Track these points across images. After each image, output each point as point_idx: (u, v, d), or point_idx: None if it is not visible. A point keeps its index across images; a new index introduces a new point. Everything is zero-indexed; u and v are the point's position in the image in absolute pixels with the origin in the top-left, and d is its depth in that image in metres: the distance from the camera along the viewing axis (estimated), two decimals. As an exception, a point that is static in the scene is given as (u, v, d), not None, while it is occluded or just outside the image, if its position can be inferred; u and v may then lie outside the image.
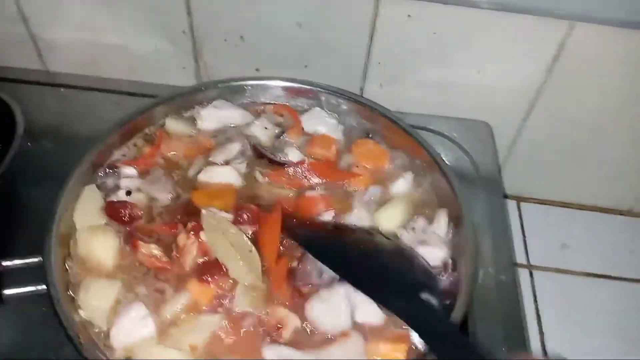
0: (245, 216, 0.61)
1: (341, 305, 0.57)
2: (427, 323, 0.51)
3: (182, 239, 0.60)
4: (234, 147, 0.71)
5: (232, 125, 0.76)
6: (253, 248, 0.59)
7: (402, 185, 0.71)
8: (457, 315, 0.56)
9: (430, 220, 0.67)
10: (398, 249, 0.63)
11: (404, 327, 0.56)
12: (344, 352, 0.55)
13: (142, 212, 0.63)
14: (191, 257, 0.59)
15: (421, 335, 0.52)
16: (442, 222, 0.66)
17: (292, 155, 0.72)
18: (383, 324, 0.58)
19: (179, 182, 0.68)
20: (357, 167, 0.73)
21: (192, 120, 0.76)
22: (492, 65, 0.84)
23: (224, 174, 0.67)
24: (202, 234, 0.60)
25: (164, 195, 0.66)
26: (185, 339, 0.55)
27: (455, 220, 0.66)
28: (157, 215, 0.65)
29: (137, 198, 0.65)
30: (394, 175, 0.73)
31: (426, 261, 0.62)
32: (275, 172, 0.70)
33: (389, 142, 0.77)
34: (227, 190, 0.66)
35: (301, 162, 0.71)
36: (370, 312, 0.58)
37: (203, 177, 0.68)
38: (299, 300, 0.58)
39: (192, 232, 0.60)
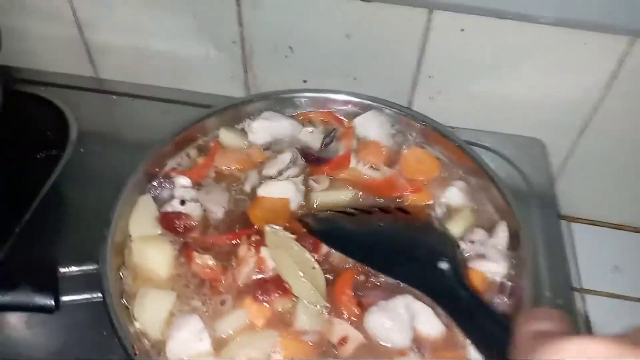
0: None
1: (401, 316, 0.56)
2: (443, 291, 0.51)
3: (243, 249, 0.60)
4: (285, 157, 0.71)
5: (281, 137, 0.76)
6: (317, 265, 0.58)
7: (456, 194, 0.70)
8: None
9: (490, 233, 0.65)
10: (415, 220, 0.63)
11: (461, 345, 0.55)
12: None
13: (196, 223, 0.63)
14: (248, 268, 0.59)
15: (439, 304, 0.52)
16: (501, 234, 0.64)
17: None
18: (443, 336, 0.56)
19: (234, 195, 0.68)
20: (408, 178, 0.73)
21: (244, 132, 0.76)
22: (547, 81, 0.82)
23: (281, 189, 0.66)
24: (262, 249, 0.60)
25: (219, 209, 0.66)
26: (243, 353, 0.54)
27: (513, 238, 0.63)
28: (212, 227, 0.65)
29: (191, 208, 0.65)
30: (447, 184, 0.71)
31: (444, 227, 0.62)
32: (325, 166, 0.70)
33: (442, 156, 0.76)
34: (283, 206, 0.65)
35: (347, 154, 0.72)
36: (429, 322, 0.57)
37: (262, 192, 0.67)
38: (361, 313, 0.57)
39: (254, 245, 0.59)
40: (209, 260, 0.59)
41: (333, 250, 0.61)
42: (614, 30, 0.75)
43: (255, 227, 0.63)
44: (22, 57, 0.96)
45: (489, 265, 0.61)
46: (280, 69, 0.90)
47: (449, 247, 0.59)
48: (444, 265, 0.53)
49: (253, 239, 0.61)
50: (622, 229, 0.96)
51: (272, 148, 0.74)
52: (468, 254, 0.62)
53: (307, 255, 0.58)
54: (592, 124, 0.86)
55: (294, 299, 0.58)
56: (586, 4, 0.72)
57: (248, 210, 0.65)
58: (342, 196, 0.69)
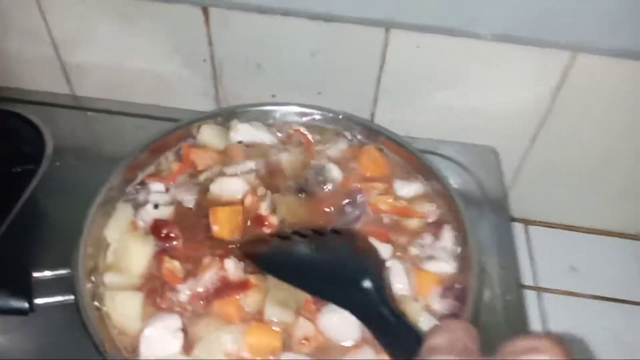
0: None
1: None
2: (367, 309, 0.52)
3: (207, 259, 0.64)
4: (250, 164, 0.75)
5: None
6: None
7: (409, 188, 0.75)
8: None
9: (437, 236, 0.70)
10: (349, 241, 0.66)
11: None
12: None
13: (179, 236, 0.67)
14: (209, 275, 0.62)
15: (363, 322, 0.53)
16: (447, 236, 0.69)
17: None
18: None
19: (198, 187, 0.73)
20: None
21: (224, 131, 0.81)
22: (497, 93, 0.88)
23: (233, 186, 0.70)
24: (226, 262, 0.63)
25: (189, 198, 0.70)
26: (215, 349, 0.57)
27: (461, 239, 0.68)
28: (181, 219, 0.69)
29: (165, 211, 0.69)
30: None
31: (369, 243, 0.66)
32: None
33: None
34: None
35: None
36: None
37: (214, 187, 0.72)
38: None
39: (218, 256, 0.64)
40: (176, 265, 0.63)
41: None
42: (557, 46, 0.81)
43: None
44: (0, 76, 0.99)
45: (439, 265, 0.66)
46: (249, 85, 0.94)
47: (375, 266, 0.61)
48: (367, 284, 0.54)
49: (217, 252, 0.64)
50: (577, 230, 1.02)
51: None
52: (421, 257, 0.67)
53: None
54: (542, 132, 0.91)
55: (257, 293, 0.62)
56: (529, 22, 0.78)
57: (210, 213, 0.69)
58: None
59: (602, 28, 0.77)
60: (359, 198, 0.73)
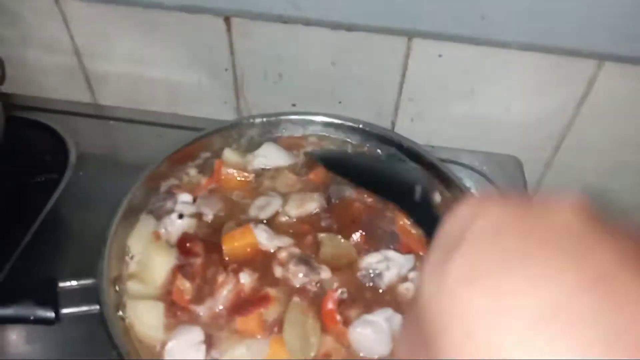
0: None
1: (383, 327, 0.59)
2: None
3: (222, 276, 0.63)
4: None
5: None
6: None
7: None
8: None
9: None
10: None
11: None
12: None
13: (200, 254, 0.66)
14: (226, 291, 0.62)
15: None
16: None
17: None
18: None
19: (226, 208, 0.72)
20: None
21: (245, 154, 0.80)
22: (521, 102, 0.87)
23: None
24: (241, 275, 0.63)
25: (209, 212, 0.70)
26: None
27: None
28: (199, 231, 0.68)
29: (189, 223, 0.69)
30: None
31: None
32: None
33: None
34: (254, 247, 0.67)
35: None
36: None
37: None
38: (345, 328, 0.60)
39: (232, 272, 0.63)
40: (186, 286, 0.62)
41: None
42: (582, 55, 0.80)
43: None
44: (23, 85, 1.00)
45: None
46: (270, 95, 0.94)
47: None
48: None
49: (230, 267, 0.64)
50: (600, 242, 1.00)
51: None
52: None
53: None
54: (565, 142, 0.90)
55: (277, 306, 0.61)
56: (554, 30, 0.78)
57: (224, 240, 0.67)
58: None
59: (628, 36, 0.76)
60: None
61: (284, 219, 0.70)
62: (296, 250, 0.66)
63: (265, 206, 0.71)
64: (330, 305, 0.61)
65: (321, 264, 0.65)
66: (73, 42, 0.94)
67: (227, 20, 0.86)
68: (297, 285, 0.64)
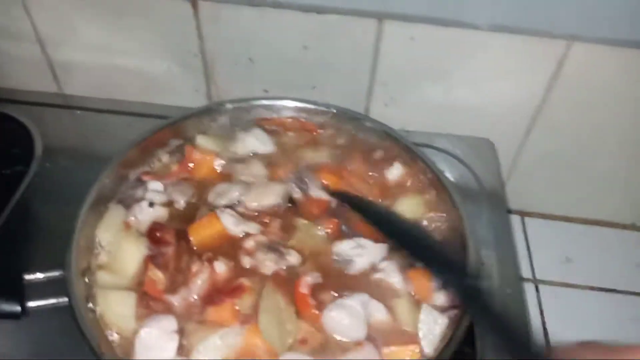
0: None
1: (358, 312, 0.59)
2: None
3: (196, 265, 0.62)
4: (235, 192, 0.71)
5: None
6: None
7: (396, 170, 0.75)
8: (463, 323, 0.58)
9: None
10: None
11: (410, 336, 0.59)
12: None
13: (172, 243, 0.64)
14: (201, 281, 0.61)
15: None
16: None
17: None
18: (392, 324, 0.60)
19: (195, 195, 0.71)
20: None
21: (221, 138, 0.78)
22: (493, 83, 0.87)
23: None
24: (215, 264, 0.62)
25: (181, 199, 0.69)
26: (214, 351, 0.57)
27: (460, 233, 0.67)
28: (172, 219, 0.67)
29: (160, 211, 0.67)
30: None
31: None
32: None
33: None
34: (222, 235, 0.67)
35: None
36: (381, 316, 0.61)
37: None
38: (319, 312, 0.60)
39: (207, 260, 0.62)
40: (159, 276, 0.61)
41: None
42: (552, 35, 0.80)
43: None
44: (-14, 76, 0.97)
45: None
46: (241, 81, 0.93)
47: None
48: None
49: (205, 256, 0.63)
50: (573, 222, 1.02)
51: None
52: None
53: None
54: (537, 123, 0.91)
55: (251, 295, 0.60)
56: (524, 11, 0.78)
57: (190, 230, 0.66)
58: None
59: (597, 17, 0.77)
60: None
61: (241, 209, 0.69)
62: (263, 238, 0.65)
63: (223, 193, 0.70)
64: (303, 289, 0.61)
65: (289, 250, 0.64)
66: (35, 30, 0.91)
67: (194, 3, 0.83)
68: (269, 273, 0.63)
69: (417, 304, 0.62)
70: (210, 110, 0.80)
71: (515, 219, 1.01)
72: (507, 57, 0.84)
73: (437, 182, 0.72)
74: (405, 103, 0.92)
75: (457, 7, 0.78)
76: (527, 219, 1.01)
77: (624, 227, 1.02)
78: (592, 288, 0.92)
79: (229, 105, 0.80)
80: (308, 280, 0.62)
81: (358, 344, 0.59)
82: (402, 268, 0.64)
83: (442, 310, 0.61)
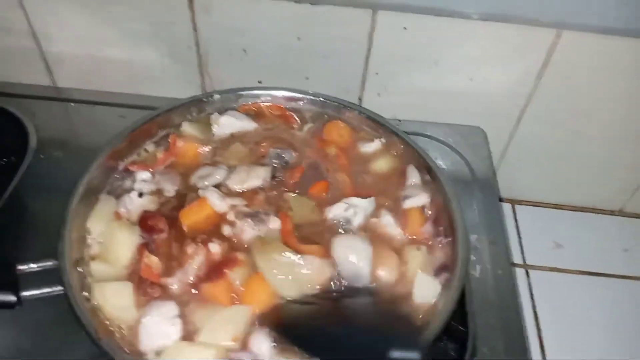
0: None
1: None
2: None
3: (191, 247, 0.62)
4: (220, 174, 0.71)
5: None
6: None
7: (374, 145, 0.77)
8: (454, 292, 0.59)
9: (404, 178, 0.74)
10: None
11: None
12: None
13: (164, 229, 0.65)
14: (197, 264, 0.62)
15: None
16: (412, 174, 0.73)
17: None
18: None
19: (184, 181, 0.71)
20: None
21: (206, 125, 0.78)
22: (484, 72, 0.88)
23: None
24: (210, 245, 0.62)
25: (171, 187, 0.69)
26: (222, 333, 0.57)
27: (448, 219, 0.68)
28: (161, 206, 0.68)
29: (150, 200, 0.67)
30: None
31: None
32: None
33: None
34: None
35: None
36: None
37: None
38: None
39: (201, 242, 0.62)
40: (155, 262, 0.61)
41: None
42: (541, 24, 0.81)
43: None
44: (-21, 69, 0.97)
45: (415, 200, 0.70)
46: (235, 71, 0.93)
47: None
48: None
49: (199, 238, 0.63)
50: (562, 209, 1.03)
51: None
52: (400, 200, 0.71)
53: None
54: (528, 112, 0.92)
55: (246, 268, 0.61)
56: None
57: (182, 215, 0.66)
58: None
59: (585, 5, 0.78)
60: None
61: (224, 191, 0.69)
62: (244, 209, 0.66)
63: (206, 176, 0.70)
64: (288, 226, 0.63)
65: (270, 216, 0.66)
66: (29, 23, 0.91)
67: (188, -5, 0.84)
68: (247, 239, 0.64)
69: (420, 255, 0.65)
70: (198, 101, 0.79)
71: (506, 207, 1.02)
72: (498, 46, 0.85)
73: (420, 159, 0.73)
74: (397, 92, 0.92)
75: (448, -4, 0.79)
76: (517, 206, 1.03)
77: (612, 213, 1.03)
78: (581, 272, 0.93)
79: (216, 96, 0.80)
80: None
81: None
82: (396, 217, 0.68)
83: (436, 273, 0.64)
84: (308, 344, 0.55)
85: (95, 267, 0.63)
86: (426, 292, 0.62)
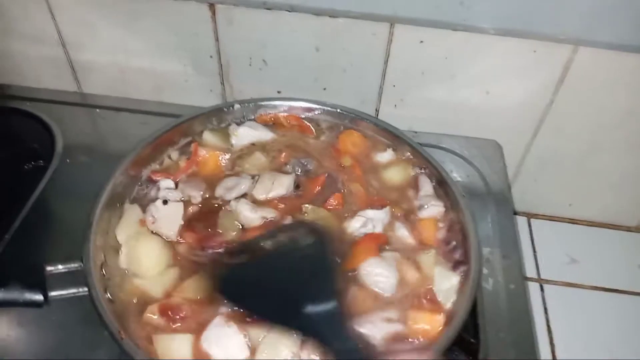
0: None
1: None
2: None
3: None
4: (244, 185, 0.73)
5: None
6: None
7: (387, 155, 0.79)
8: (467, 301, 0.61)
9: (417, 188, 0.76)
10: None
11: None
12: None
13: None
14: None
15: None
16: (425, 183, 0.75)
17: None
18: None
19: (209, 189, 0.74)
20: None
21: (226, 134, 0.81)
22: (500, 86, 0.89)
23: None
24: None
25: (197, 194, 0.71)
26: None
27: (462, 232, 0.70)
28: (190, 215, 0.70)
29: (173, 207, 0.70)
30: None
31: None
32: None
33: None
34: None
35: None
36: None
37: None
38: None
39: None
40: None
41: None
42: (558, 40, 0.82)
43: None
44: (10, 75, 1.01)
45: (431, 210, 0.71)
46: (255, 81, 0.95)
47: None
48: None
49: None
50: (578, 223, 1.03)
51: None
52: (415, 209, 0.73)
53: None
54: (544, 126, 0.92)
55: None
56: (530, 15, 0.80)
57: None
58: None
59: (602, 22, 0.78)
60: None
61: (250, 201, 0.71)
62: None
63: (233, 187, 0.72)
64: None
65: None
66: (59, 32, 0.94)
67: (211, 6, 0.86)
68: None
69: (431, 258, 0.67)
70: (219, 110, 0.82)
71: (521, 220, 1.02)
72: (514, 61, 0.86)
73: (437, 174, 0.75)
74: (413, 104, 0.94)
75: (465, 11, 0.80)
76: (533, 220, 1.03)
77: (628, 229, 1.03)
78: (596, 288, 0.93)
79: (237, 106, 0.82)
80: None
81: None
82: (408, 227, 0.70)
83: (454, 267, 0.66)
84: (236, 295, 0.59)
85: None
86: (446, 285, 0.64)
